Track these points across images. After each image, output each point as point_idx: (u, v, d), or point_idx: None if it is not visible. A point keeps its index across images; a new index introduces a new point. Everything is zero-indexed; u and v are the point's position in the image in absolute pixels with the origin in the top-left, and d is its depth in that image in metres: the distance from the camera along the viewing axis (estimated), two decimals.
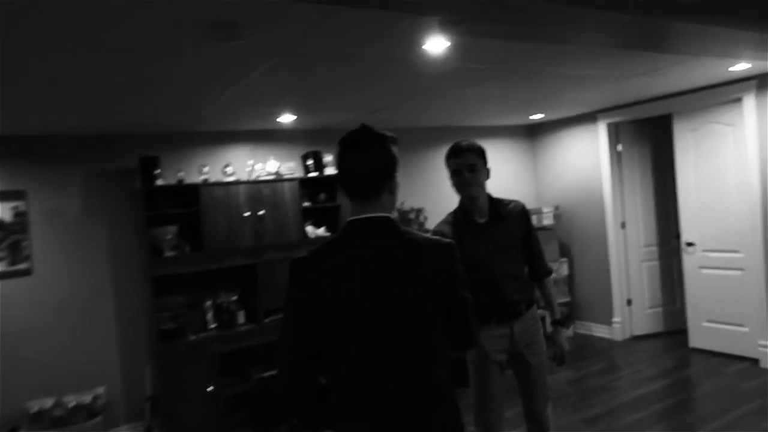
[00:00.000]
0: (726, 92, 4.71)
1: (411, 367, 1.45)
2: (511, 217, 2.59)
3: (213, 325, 4.61)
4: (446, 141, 3.03)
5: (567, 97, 4.69)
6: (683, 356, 5.08)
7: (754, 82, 4.51)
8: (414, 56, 2.86)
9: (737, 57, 3.35)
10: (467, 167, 2.48)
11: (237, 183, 4.64)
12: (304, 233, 4.94)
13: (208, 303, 4.63)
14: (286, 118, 4.56)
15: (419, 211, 5.59)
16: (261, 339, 4.62)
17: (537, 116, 5.87)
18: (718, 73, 4.27)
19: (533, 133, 6.60)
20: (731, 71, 4.16)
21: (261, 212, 4.68)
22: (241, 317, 4.73)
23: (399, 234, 1.48)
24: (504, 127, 6.35)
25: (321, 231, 5.07)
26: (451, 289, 1.49)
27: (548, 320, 2.85)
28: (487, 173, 2.54)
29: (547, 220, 6.06)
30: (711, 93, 4.83)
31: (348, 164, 1.51)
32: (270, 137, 5.14)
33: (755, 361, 4.69)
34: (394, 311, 1.43)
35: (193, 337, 4.40)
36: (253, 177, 4.83)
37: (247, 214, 4.63)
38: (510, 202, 2.65)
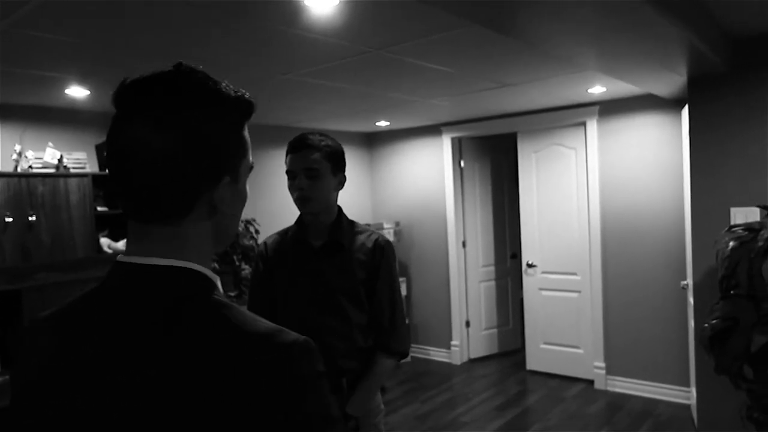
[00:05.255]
0: (571, 115, 4.74)
1: None
2: (356, 251, 1.86)
3: None
4: (282, 142, 2.26)
5: (422, 102, 4.25)
6: (522, 379, 4.97)
7: (596, 108, 4.59)
8: (290, 9, 2.07)
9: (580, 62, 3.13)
10: (304, 170, 1.77)
11: None
12: (98, 247, 3.71)
13: None
14: (77, 92, 3.34)
15: (249, 222, 4.69)
16: None
17: (383, 123, 5.39)
18: (572, 95, 4.22)
19: (372, 142, 6.12)
20: (590, 92, 4.12)
21: (31, 217, 3.37)
22: None
23: (192, 317, 0.71)
24: (342, 132, 5.76)
25: (121, 245, 3.87)
26: None
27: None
28: (337, 183, 1.86)
29: (388, 238, 5.60)
30: (556, 115, 4.83)
31: (118, 145, 0.74)
32: (50, 117, 3.80)
33: (590, 383, 4.74)
34: None
35: None
36: (20, 168, 3.48)
37: (8, 219, 3.28)
38: (366, 230, 1.93)
